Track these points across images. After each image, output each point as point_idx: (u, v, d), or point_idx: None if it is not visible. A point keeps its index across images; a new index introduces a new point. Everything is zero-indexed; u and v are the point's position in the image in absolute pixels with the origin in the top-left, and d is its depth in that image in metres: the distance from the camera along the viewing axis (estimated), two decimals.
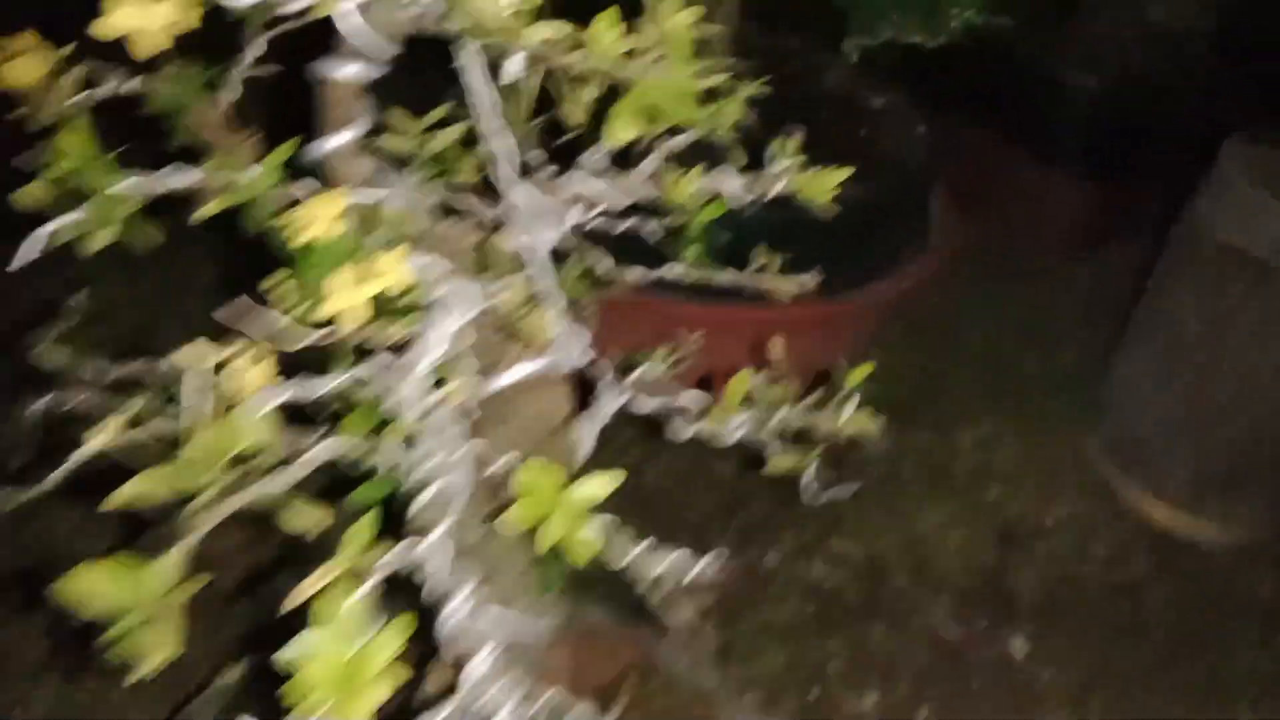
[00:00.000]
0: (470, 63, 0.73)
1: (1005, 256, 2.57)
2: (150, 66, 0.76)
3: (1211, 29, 2.57)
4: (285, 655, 0.51)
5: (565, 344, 0.89)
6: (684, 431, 0.98)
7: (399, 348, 0.69)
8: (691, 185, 0.91)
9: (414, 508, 0.65)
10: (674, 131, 0.94)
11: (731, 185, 0.95)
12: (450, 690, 0.61)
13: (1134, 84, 2.56)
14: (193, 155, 0.77)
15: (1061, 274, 2.58)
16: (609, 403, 0.99)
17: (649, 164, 0.95)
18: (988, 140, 2.69)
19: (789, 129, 0.98)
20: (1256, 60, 2.63)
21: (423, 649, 0.61)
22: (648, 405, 0.99)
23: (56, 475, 0.67)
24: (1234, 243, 1.78)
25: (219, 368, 0.64)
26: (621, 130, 0.73)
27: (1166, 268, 1.96)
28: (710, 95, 0.85)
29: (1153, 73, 2.56)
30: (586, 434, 0.99)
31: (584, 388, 1.00)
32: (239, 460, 0.61)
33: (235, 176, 0.73)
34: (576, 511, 0.62)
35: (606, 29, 0.72)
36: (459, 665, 0.62)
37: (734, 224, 1.13)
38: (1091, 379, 2.22)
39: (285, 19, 0.67)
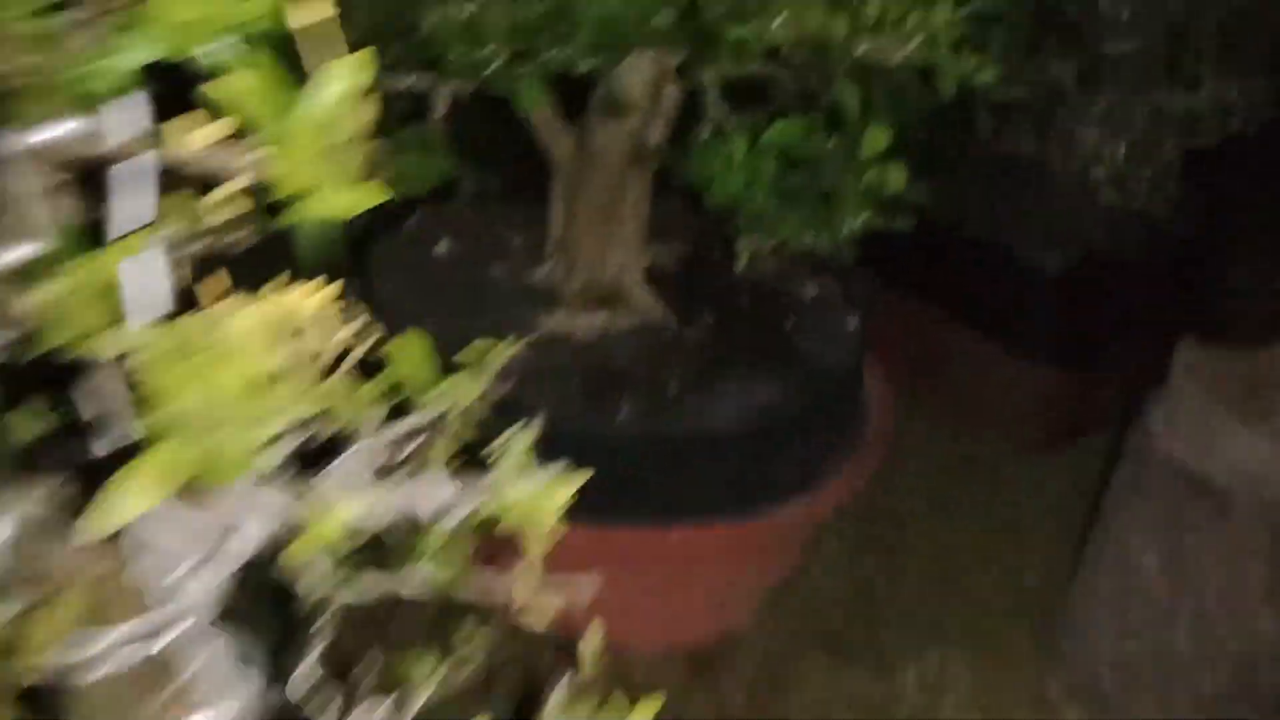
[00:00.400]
0: None
1: (959, 453, 2.33)
2: None
3: (1179, 206, 2.40)
4: None
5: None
6: None
7: None
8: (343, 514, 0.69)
9: None
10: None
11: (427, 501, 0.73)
12: None
13: (1098, 262, 2.38)
14: None
15: (1023, 474, 2.32)
16: None
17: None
18: (939, 321, 2.50)
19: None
20: (1218, 250, 2.46)
21: None
22: None
23: None
24: (1191, 468, 1.55)
25: None
26: None
27: (1119, 489, 1.72)
28: None
29: (1117, 250, 2.38)
30: None
31: None
32: None
33: None
34: None
35: None
36: None
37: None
38: (1056, 603, 1.95)
39: None
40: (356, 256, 1.96)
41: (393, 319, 0.68)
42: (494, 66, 1.33)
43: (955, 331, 2.48)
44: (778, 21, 1.30)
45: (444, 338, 0.72)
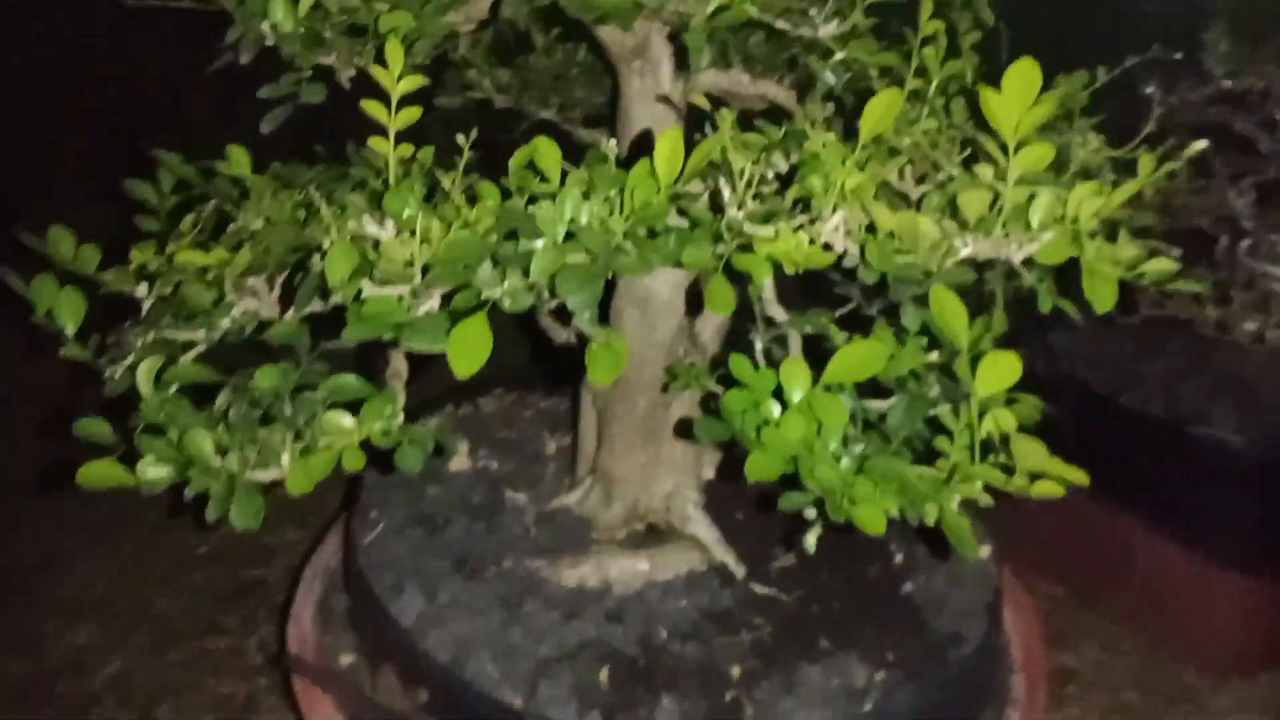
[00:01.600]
0: None
1: (1138, 677, 1.81)
2: None
3: None
4: None
5: None
6: None
7: None
8: None
9: None
10: None
11: None
12: None
13: None
14: None
15: (1220, 703, 1.79)
16: None
17: None
18: (1109, 515, 1.99)
19: None
20: None
21: None
22: None
23: None
24: None
25: None
26: None
27: None
28: None
29: None
30: None
31: None
32: None
33: None
34: None
35: None
36: None
37: None
38: None
39: None
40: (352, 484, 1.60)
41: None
42: None
43: (1130, 529, 1.97)
44: (832, 223, 0.89)
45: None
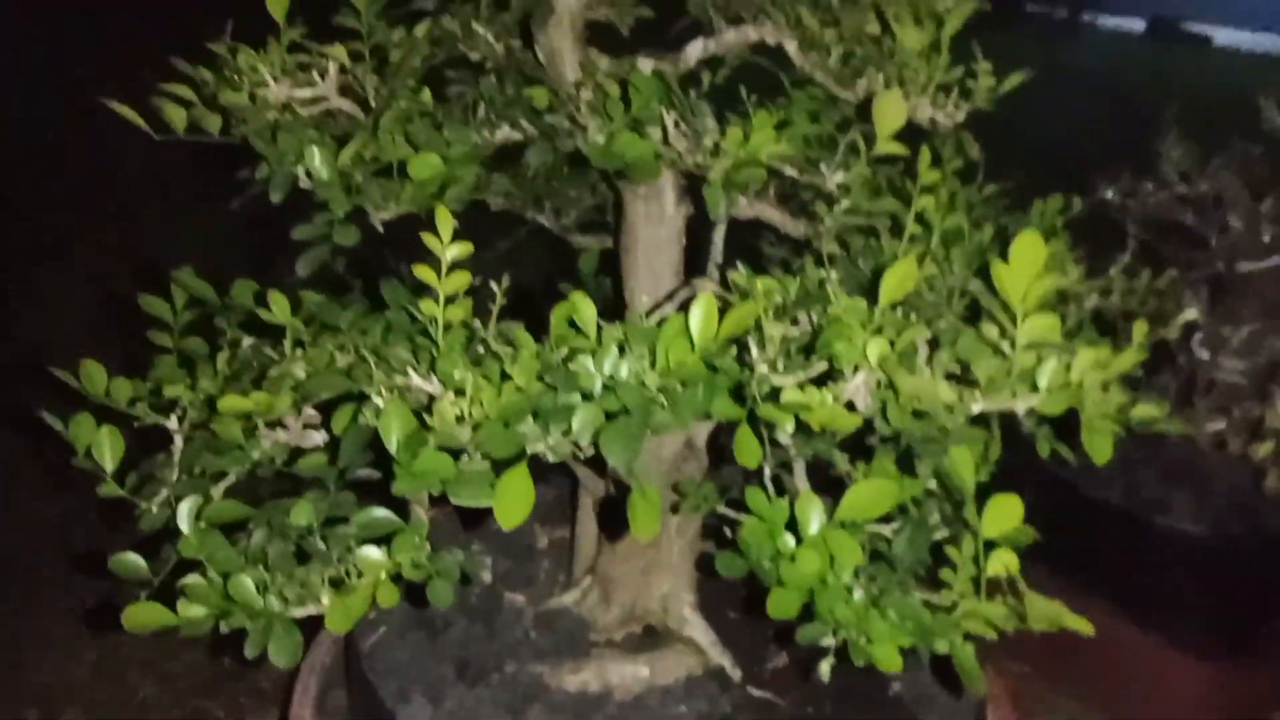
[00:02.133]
0: None
1: None
2: None
3: None
4: None
5: None
6: None
7: None
8: None
9: None
10: None
11: None
12: None
13: (1256, 534, 1.94)
14: None
15: None
16: None
17: None
18: (1072, 598, 2.06)
19: None
20: None
21: None
22: None
23: None
24: None
25: None
26: None
27: None
28: None
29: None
30: None
31: None
32: None
33: None
34: None
35: None
36: None
37: None
38: None
39: None
40: None
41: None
42: None
43: (1093, 612, 2.04)
44: (855, 382, 0.95)
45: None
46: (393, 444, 0.89)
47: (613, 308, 1.49)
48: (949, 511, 1.20)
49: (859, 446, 1.29)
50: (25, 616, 2.17)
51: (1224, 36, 10.70)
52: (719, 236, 1.45)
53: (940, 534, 1.21)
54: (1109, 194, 1.96)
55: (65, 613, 2.16)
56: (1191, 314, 1.12)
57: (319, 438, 1.11)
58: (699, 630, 1.53)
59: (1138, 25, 10.93)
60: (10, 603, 2.20)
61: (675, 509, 1.35)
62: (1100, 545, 2.04)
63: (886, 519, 1.20)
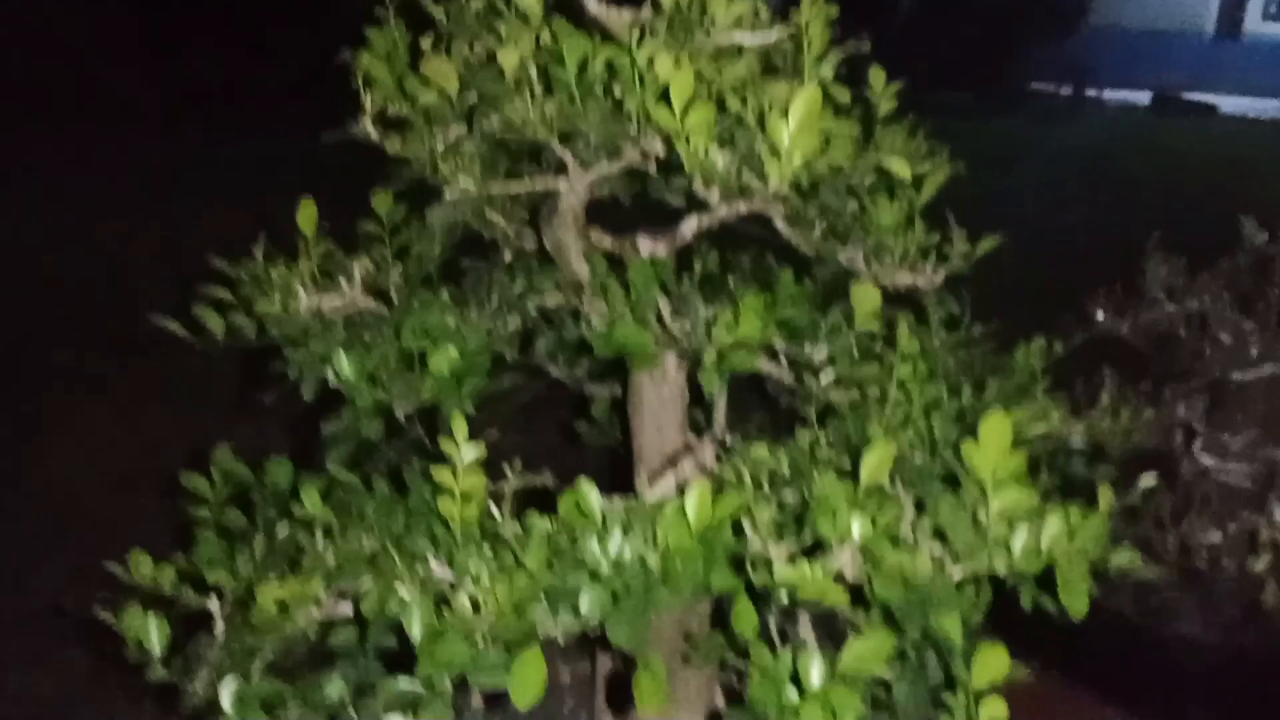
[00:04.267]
0: None
1: None
2: None
3: None
4: None
5: None
6: None
7: None
8: None
9: None
10: None
11: None
12: None
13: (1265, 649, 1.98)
14: None
15: None
16: None
17: None
18: (1086, 705, 2.10)
19: None
20: None
21: None
22: None
23: None
24: None
25: None
26: None
27: None
28: None
29: None
30: None
31: None
32: None
33: None
34: None
35: None
36: None
37: None
38: None
39: None
40: None
41: None
42: None
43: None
44: (843, 557, 1.03)
45: None
46: (415, 634, 0.97)
47: (625, 449, 1.57)
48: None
49: (860, 592, 1.36)
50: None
51: (1229, 105, 10.82)
52: (721, 399, 1.54)
53: (938, 679, 1.27)
54: (1099, 315, 2.04)
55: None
56: (1150, 483, 1.19)
57: (349, 609, 1.20)
58: None
59: (1143, 98, 11.05)
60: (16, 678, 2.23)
61: (687, 659, 1.42)
62: (1109, 652, 2.08)
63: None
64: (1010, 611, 1.31)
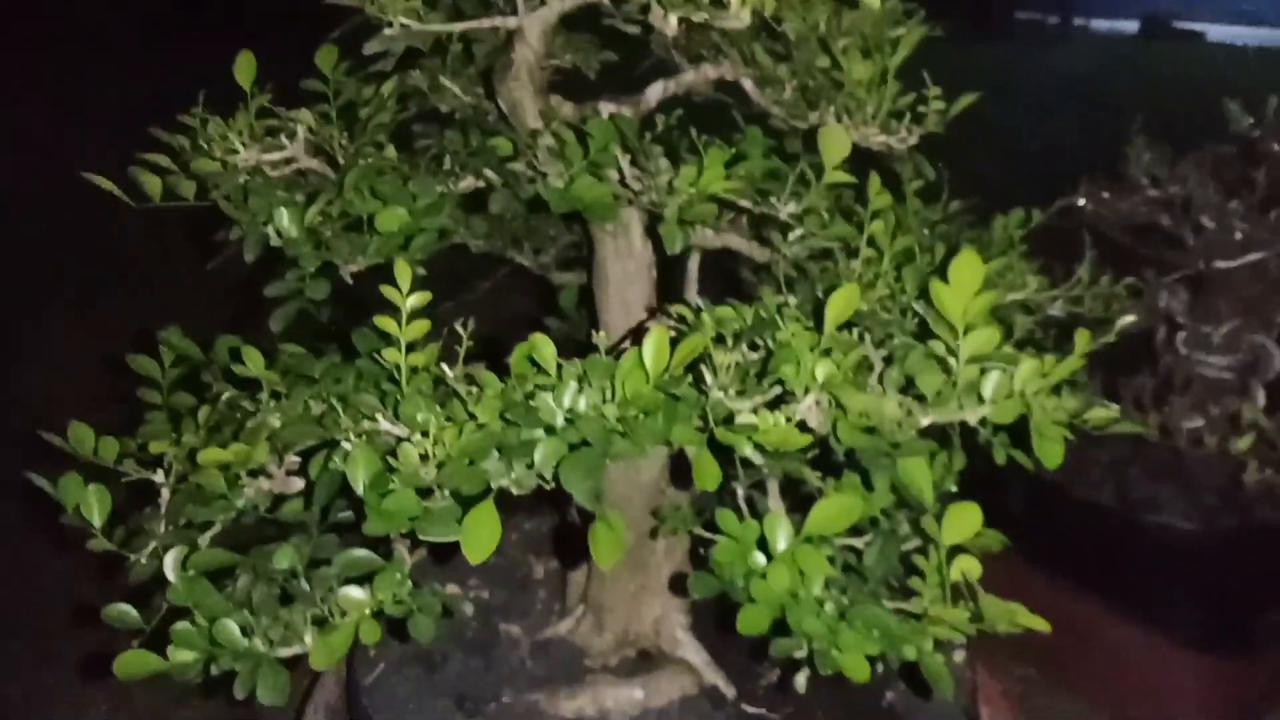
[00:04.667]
0: None
1: None
2: None
3: None
4: None
5: None
6: None
7: None
8: None
9: None
10: None
11: None
12: None
13: (1248, 528, 1.96)
14: None
15: None
16: None
17: None
18: (1071, 600, 2.09)
19: None
20: None
21: None
22: None
23: None
24: None
25: None
26: None
27: None
28: None
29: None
30: None
31: None
32: None
33: None
34: None
35: None
36: None
37: None
38: None
39: None
40: None
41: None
42: None
43: (1090, 612, 2.06)
44: (805, 404, 0.99)
45: None
46: (359, 486, 0.93)
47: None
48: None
49: (832, 465, 1.32)
50: (36, 671, 2.22)
51: (1217, 32, 10.72)
52: (693, 266, 1.49)
53: (911, 544, 1.24)
54: (1080, 201, 1.99)
55: (74, 667, 2.20)
56: (1129, 319, 1.15)
57: (301, 484, 1.15)
58: (692, 651, 1.56)
59: (1131, 26, 10.96)
60: (20, 660, 2.24)
61: (656, 534, 1.39)
62: (1094, 545, 2.06)
63: (858, 532, 1.24)
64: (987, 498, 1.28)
